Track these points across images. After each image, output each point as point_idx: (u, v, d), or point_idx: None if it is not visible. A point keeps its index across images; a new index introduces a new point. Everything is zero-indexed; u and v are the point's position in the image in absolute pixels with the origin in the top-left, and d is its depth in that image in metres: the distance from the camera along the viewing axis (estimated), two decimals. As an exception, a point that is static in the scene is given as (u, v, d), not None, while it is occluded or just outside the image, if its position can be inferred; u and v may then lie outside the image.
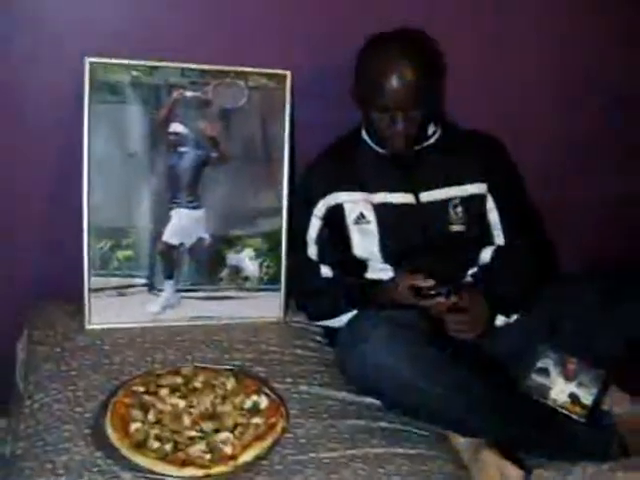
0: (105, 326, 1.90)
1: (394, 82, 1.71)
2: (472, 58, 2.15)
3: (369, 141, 1.92)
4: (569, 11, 2.21)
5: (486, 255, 1.92)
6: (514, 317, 1.83)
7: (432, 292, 1.72)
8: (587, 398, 1.64)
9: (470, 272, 1.92)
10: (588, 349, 1.72)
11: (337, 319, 1.86)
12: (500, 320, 1.82)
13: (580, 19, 2.22)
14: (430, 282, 1.73)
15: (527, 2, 2.18)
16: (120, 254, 1.92)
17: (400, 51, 1.75)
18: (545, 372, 1.67)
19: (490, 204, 1.91)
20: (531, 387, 1.67)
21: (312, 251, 1.94)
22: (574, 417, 1.64)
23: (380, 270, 1.90)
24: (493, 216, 1.92)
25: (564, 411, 1.64)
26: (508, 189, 1.95)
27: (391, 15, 1.95)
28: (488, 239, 1.93)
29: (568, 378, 1.65)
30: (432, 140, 1.91)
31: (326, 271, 1.92)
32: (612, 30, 2.26)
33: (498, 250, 1.92)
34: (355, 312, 1.80)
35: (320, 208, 1.91)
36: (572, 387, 1.65)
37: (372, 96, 1.76)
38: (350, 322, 1.69)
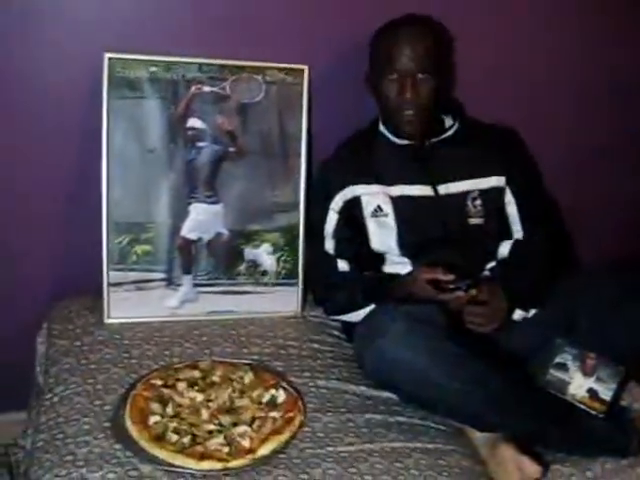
0: (124, 320, 1.91)
1: (400, 45, 1.77)
2: (486, 58, 2.16)
3: (387, 133, 1.92)
4: (578, 11, 2.22)
5: (504, 249, 1.91)
6: (532, 312, 1.83)
7: (451, 286, 1.72)
8: (606, 394, 1.63)
9: (488, 266, 1.91)
10: (606, 344, 1.70)
11: (354, 314, 1.85)
12: (518, 314, 1.81)
13: (590, 19, 2.23)
14: (450, 276, 1.73)
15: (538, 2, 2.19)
16: (139, 249, 1.93)
17: (406, 21, 1.83)
18: (564, 367, 1.66)
19: (508, 197, 1.91)
20: (550, 382, 1.66)
21: (329, 245, 1.94)
22: (592, 412, 1.63)
23: (398, 264, 1.90)
24: (511, 209, 1.91)
25: (582, 406, 1.63)
26: (527, 183, 1.94)
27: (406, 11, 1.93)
28: (506, 233, 1.93)
29: (587, 373, 1.64)
30: (450, 132, 1.91)
31: (343, 265, 1.92)
32: (623, 30, 2.26)
33: (516, 244, 1.91)
34: (372, 307, 1.79)
35: (337, 202, 1.91)
36: (591, 382, 1.64)
37: (381, 65, 1.81)
38: (368, 316, 1.69)
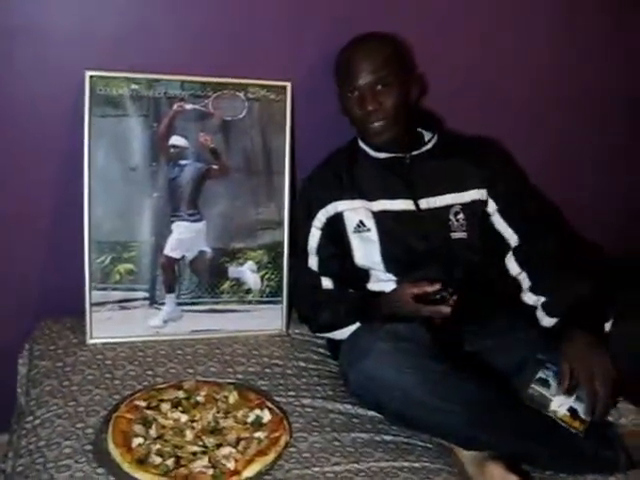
0: (106, 340, 1.89)
1: (356, 61, 1.82)
2: (471, 71, 2.19)
3: (366, 148, 1.92)
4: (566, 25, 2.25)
5: (513, 266, 1.88)
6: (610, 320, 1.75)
7: (438, 296, 1.70)
8: (585, 413, 1.62)
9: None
10: None
11: (338, 332, 1.84)
12: (608, 326, 1.74)
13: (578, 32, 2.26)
14: (435, 286, 1.70)
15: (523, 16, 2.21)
16: (121, 268, 1.91)
17: (362, 37, 1.87)
18: (545, 383, 1.65)
19: (492, 208, 1.89)
20: (532, 397, 1.64)
21: (313, 262, 1.93)
22: (573, 431, 1.62)
23: (383, 280, 1.89)
24: (496, 219, 1.89)
25: (563, 424, 1.62)
26: (511, 191, 1.91)
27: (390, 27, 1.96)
28: (499, 245, 1.90)
29: (566, 392, 1.64)
30: (429, 146, 1.91)
31: (327, 283, 1.92)
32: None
33: (518, 250, 1.87)
34: (357, 325, 1.78)
35: (320, 218, 1.91)
36: (571, 401, 1.62)
37: (343, 83, 1.85)
38: (352, 336, 1.68)
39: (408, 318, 1.69)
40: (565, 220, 2.26)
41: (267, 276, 2.01)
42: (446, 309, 1.68)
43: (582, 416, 1.60)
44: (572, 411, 1.61)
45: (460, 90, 2.18)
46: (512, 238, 1.89)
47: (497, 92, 2.24)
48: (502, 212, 1.88)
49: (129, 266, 1.92)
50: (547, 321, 1.79)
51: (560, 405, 1.60)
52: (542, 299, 1.80)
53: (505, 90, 2.25)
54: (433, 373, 1.55)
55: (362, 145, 1.94)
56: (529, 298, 1.83)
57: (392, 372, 1.52)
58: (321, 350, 1.97)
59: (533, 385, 1.62)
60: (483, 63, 2.21)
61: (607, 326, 1.73)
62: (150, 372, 1.78)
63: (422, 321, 1.67)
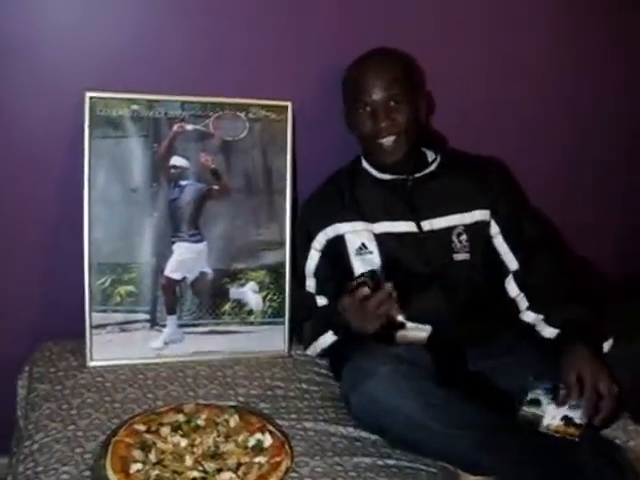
0: (107, 363, 1.87)
1: (368, 76, 1.81)
2: (477, 91, 2.19)
3: (369, 168, 1.91)
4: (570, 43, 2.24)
5: (512, 288, 1.86)
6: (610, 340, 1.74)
7: (358, 281, 1.64)
8: (581, 418, 1.59)
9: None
10: None
11: (317, 342, 1.85)
12: (607, 346, 1.73)
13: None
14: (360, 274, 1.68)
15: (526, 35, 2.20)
16: (122, 289, 1.90)
17: (371, 54, 1.87)
18: (536, 402, 1.62)
19: (494, 229, 1.88)
20: (524, 418, 1.62)
21: (310, 284, 1.93)
22: (569, 438, 1.59)
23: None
24: (498, 241, 1.88)
25: (558, 435, 1.59)
26: (512, 213, 1.90)
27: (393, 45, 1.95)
28: (498, 268, 1.89)
29: (559, 403, 1.60)
30: (432, 167, 1.90)
31: (321, 301, 1.91)
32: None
33: (517, 275, 1.86)
34: (330, 334, 1.79)
35: (319, 241, 1.90)
36: (564, 411, 1.60)
37: (353, 99, 1.84)
38: (354, 359, 1.65)
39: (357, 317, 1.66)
40: (563, 240, 2.25)
41: (269, 297, 1.99)
42: (387, 286, 1.61)
43: (578, 421, 1.58)
44: (566, 419, 1.59)
45: (462, 108, 2.16)
46: (512, 262, 1.87)
47: (499, 110, 2.23)
48: (504, 235, 1.87)
49: (130, 288, 1.90)
50: (548, 332, 1.78)
51: (553, 417, 1.59)
52: (541, 316, 1.79)
53: (507, 108, 2.24)
54: (436, 396, 1.53)
55: (365, 165, 1.93)
56: (528, 316, 1.82)
57: (394, 396, 1.51)
58: (323, 371, 1.94)
59: (524, 408, 1.61)
60: (486, 80, 2.20)
61: (606, 346, 1.72)
62: (150, 395, 1.76)
63: (425, 345, 1.65)
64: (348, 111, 1.87)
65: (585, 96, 2.30)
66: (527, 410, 1.61)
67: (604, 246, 2.39)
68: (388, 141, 1.81)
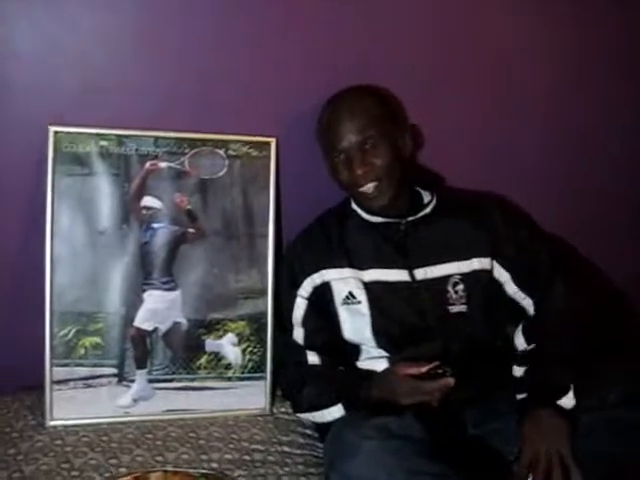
0: (69, 422, 1.71)
1: (337, 121, 1.69)
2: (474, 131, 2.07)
3: (359, 210, 1.78)
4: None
5: (520, 341, 1.72)
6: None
7: (439, 371, 1.55)
8: None
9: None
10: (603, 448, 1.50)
11: (319, 413, 1.69)
12: (568, 399, 1.58)
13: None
14: (434, 363, 1.57)
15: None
16: (87, 341, 1.75)
17: (342, 94, 1.75)
18: None
19: (503, 277, 1.73)
20: None
21: (298, 334, 1.78)
22: None
23: (375, 357, 1.72)
24: (511, 288, 1.74)
25: None
26: (521, 254, 1.75)
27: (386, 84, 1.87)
28: (516, 316, 1.76)
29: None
30: (428, 210, 1.76)
31: (313, 358, 1.75)
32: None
33: (529, 328, 1.72)
34: (340, 408, 1.64)
35: (306, 287, 1.76)
36: None
37: (327, 142, 1.73)
38: (336, 429, 1.49)
39: (399, 406, 1.51)
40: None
41: (249, 350, 1.85)
42: (450, 380, 1.52)
43: None
44: None
45: (460, 143, 2.04)
46: (529, 306, 1.73)
47: (500, 144, 2.11)
48: (516, 280, 1.73)
49: (95, 339, 1.76)
50: (517, 370, 1.67)
51: None
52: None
53: (509, 142, 2.11)
54: (427, 475, 1.35)
55: (355, 207, 1.80)
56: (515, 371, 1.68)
57: (382, 476, 1.33)
58: (308, 432, 1.79)
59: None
60: (484, 113, 2.07)
61: (569, 400, 1.57)
62: (114, 460, 1.59)
63: (417, 411, 1.48)
64: (325, 159, 1.76)
65: (589, 125, 2.18)
66: None
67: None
68: (369, 189, 1.68)
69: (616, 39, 2.12)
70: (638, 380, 1.55)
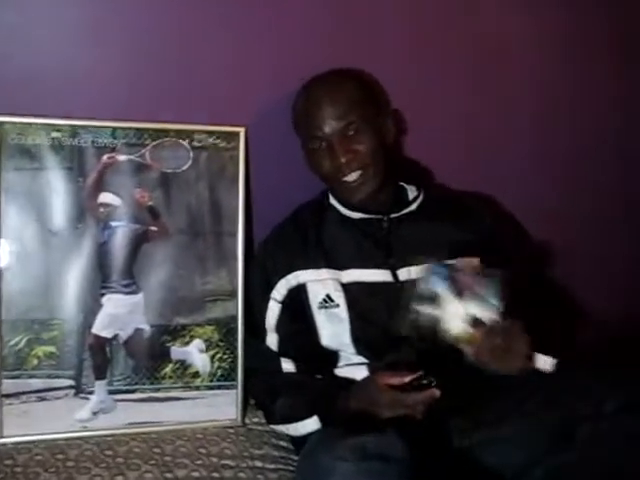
0: (20, 439, 1.59)
1: (317, 106, 1.59)
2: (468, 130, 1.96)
3: (338, 205, 1.67)
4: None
5: None
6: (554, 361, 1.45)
7: (424, 381, 1.43)
8: (490, 313, 1.32)
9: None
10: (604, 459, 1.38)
11: (293, 425, 1.58)
12: (543, 361, 1.44)
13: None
14: (418, 373, 1.44)
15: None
16: (40, 350, 1.63)
17: (320, 77, 1.65)
18: (430, 298, 1.34)
19: None
20: (416, 323, 1.34)
21: (272, 340, 1.67)
22: (466, 349, 1.34)
23: (354, 364, 1.61)
24: None
25: (457, 343, 1.33)
26: (502, 260, 1.63)
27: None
28: None
29: (461, 295, 1.33)
30: (413, 207, 1.66)
31: (288, 366, 1.65)
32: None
33: None
34: (315, 419, 1.52)
35: (279, 290, 1.65)
36: (469, 307, 1.33)
37: (306, 130, 1.63)
38: (309, 447, 1.37)
39: (379, 419, 1.39)
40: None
41: (218, 357, 1.74)
42: (435, 392, 1.41)
43: (486, 315, 1.32)
44: (474, 320, 1.33)
45: (444, 131, 1.93)
46: None
47: (490, 139, 2.00)
48: None
49: (50, 349, 1.64)
50: None
51: (454, 317, 1.33)
52: None
53: (499, 138, 2.00)
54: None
55: (333, 202, 1.69)
56: None
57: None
58: (283, 443, 1.67)
59: (415, 305, 1.34)
60: (474, 107, 1.96)
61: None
62: (68, 482, 1.47)
63: (398, 427, 1.36)
64: (303, 149, 1.65)
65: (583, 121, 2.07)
66: (419, 309, 1.34)
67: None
68: (352, 178, 1.57)
69: (608, 28, 2.01)
70: (637, 387, 1.44)
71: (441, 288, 1.35)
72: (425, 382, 1.42)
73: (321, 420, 1.53)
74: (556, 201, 2.08)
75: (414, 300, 1.35)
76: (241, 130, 1.72)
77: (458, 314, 1.34)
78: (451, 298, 1.35)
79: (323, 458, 1.25)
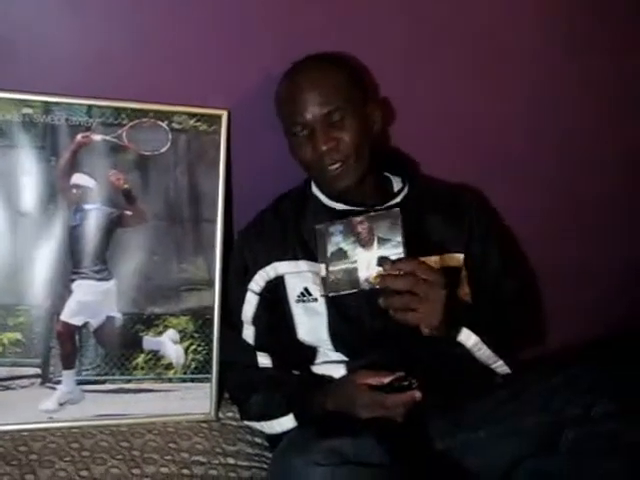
0: (-18, 429, 1.52)
1: (299, 89, 1.51)
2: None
3: (320, 195, 1.61)
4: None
5: None
6: (478, 340, 1.44)
7: (405, 382, 1.37)
8: (399, 251, 1.33)
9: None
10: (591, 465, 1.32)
11: (267, 423, 1.53)
12: (465, 335, 1.42)
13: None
14: (398, 374, 1.38)
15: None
16: (5, 337, 1.56)
17: (306, 60, 1.57)
18: (339, 254, 1.35)
19: (463, 273, 1.61)
20: (334, 286, 1.34)
21: (248, 333, 1.61)
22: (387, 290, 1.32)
23: (332, 361, 1.55)
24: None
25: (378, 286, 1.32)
26: (485, 256, 1.63)
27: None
28: None
29: (365, 243, 1.34)
30: (398, 199, 1.58)
31: (264, 360, 1.59)
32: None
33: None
34: (290, 418, 1.47)
35: (257, 281, 1.59)
36: (375, 251, 1.33)
37: (287, 116, 1.55)
38: (280, 454, 1.30)
39: (357, 420, 1.32)
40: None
41: (192, 348, 1.68)
42: (417, 394, 1.34)
43: (392, 253, 1.32)
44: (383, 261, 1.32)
45: (435, 128, 1.86)
46: None
47: (482, 130, 1.92)
48: (470, 278, 1.60)
49: (15, 335, 1.57)
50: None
51: (368, 266, 1.33)
52: None
53: (491, 129, 1.93)
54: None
55: (315, 191, 1.62)
56: None
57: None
58: (257, 440, 1.62)
59: (329, 268, 1.34)
60: (466, 96, 1.88)
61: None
62: (30, 476, 1.39)
63: (377, 430, 1.29)
64: (286, 136, 1.58)
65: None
66: (334, 270, 1.34)
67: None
68: (334, 168, 1.50)
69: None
70: (629, 388, 1.38)
71: (345, 243, 1.35)
72: (406, 383, 1.37)
73: (297, 418, 1.47)
74: (549, 198, 2.03)
75: (328, 263, 1.34)
76: (223, 113, 1.65)
77: (368, 261, 1.33)
78: (358, 249, 1.34)
79: (296, 462, 1.19)
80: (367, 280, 1.33)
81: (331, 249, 1.35)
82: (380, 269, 1.32)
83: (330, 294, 1.36)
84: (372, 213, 1.37)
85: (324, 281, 1.38)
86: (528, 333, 1.78)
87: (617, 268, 2.16)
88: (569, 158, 2.01)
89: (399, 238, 1.33)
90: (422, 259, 1.35)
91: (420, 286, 1.30)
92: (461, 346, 1.44)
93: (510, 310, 1.61)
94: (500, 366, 1.48)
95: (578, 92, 1.96)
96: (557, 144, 1.99)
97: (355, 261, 1.33)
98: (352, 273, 1.33)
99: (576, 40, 1.91)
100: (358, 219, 1.35)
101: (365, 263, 1.33)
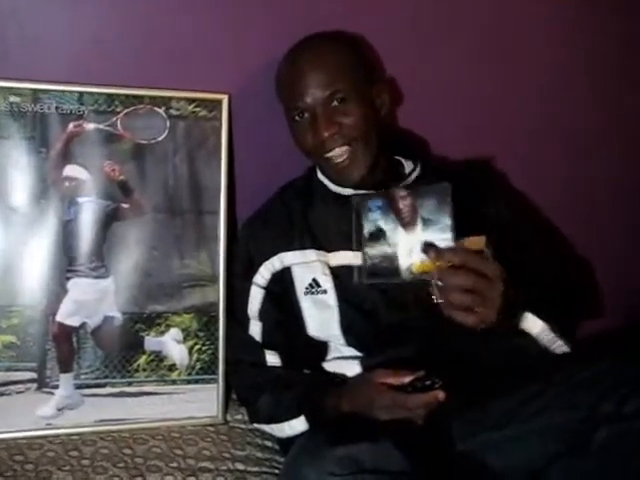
0: (-24, 438, 1.47)
1: (299, 71, 1.45)
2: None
3: (326, 181, 1.54)
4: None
5: None
6: (545, 327, 1.33)
7: (427, 382, 1.27)
8: (447, 236, 1.19)
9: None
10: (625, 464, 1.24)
11: (277, 426, 1.46)
12: (531, 321, 1.32)
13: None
14: (418, 373, 1.29)
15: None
16: None
17: (308, 39, 1.50)
18: (378, 234, 1.23)
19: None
20: (372, 269, 1.22)
21: (254, 330, 1.54)
22: (434, 282, 1.18)
23: (345, 355, 1.48)
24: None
25: (424, 277, 1.19)
26: (517, 235, 1.54)
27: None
28: None
29: (407, 224, 1.21)
30: (409, 180, 1.51)
31: (272, 359, 1.53)
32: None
33: None
34: (301, 420, 1.41)
35: (263, 274, 1.53)
36: (419, 234, 1.20)
37: (287, 99, 1.49)
38: (292, 461, 1.22)
39: (374, 423, 1.25)
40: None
41: (197, 348, 1.62)
42: (440, 394, 1.26)
43: (439, 238, 1.19)
44: (428, 248, 1.19)
45: (447, 108, 1.79)
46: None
47: (492, 111, 1.85)
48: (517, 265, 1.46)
49: (10, 338, 1.52)
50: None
51: (409, 252, 1.20)
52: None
53: (502, 109, 1.86)
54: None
55: (321, 177, 1.55)
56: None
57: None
58: (268, 443, 1.56)
59: (368, 250, 1.21)
60: (475, 76, 1.81)
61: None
62: (26, 487, 1.34)
63: (395, 435, 1.21)
64: (287, 121, 1.51)
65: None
66: (372, 254, 1.22)
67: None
68: (337, 154, 1.43)
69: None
70: None
71: (383, 222, 1.23)
72: (428, 383, 1.27)
73: (308, 421, 1.40)
74: (560, 176, 1.95)
75: (363, 245, 1.23)
76: (224, 98, 1.59)
77: (410, 246, 1.21)
78: (399, 230, 1.22)
79: (309, 472, 1.11)
80: (409, 269, 1.20)
81: (368, 227, 1.23)
82: (424, 257, 1.19)
83: (368, 281, 1.23)
84: (417, 187, 1.25)
85: (360, 267, 1.25)
86: (586, 307, 1.71)
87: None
88: (578, 139, 1.95)
89: (447, 220, 1.20)
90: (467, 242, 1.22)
91: (481, 283, 1.19)
92: (522, 336, 1.35)
93: (563, 284, 1.53)
94: (560, 346, 1.38)
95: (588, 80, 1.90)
96: (568, 128, 1.92)
97: (396, 244, 1.21)
98: (393, 260, 1.21)
99: (588, 26, 1.85)
100: (400, 192, 1.23)
101: (407, 248, 1.20)
